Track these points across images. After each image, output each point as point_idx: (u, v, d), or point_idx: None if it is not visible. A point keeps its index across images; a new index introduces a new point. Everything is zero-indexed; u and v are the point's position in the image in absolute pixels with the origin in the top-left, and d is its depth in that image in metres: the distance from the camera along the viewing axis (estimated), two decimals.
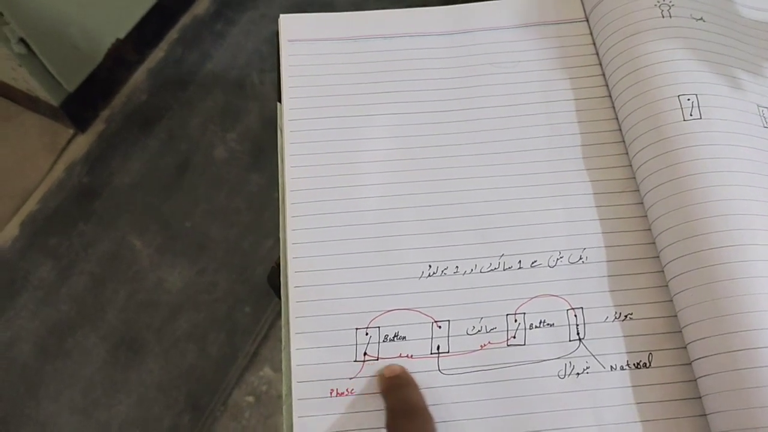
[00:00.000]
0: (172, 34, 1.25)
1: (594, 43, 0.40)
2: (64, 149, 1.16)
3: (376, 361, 0.33)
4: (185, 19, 1.26)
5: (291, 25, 0.41)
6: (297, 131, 0.39)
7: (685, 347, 0.32)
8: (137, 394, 0.97)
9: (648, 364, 0.33)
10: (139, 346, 1.00)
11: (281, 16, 0.42)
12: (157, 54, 1.23)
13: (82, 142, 1.16)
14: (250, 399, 0.97)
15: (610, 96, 0.39)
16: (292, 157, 0.38)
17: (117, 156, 1.15)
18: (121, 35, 1.16)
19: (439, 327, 0.34)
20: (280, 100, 0.40)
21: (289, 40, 0.41)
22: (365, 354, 0.33)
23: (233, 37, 1.25)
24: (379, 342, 0.34)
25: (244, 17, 1.27)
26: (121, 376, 0.98)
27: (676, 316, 0.33)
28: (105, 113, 1.18)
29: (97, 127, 1.17)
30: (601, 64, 0.40)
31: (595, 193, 0.36)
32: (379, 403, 0.32)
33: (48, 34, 1.01)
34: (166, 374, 0.98)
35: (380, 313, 0.34)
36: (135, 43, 1.19)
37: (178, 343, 1.00)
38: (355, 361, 0.33)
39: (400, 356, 0.33)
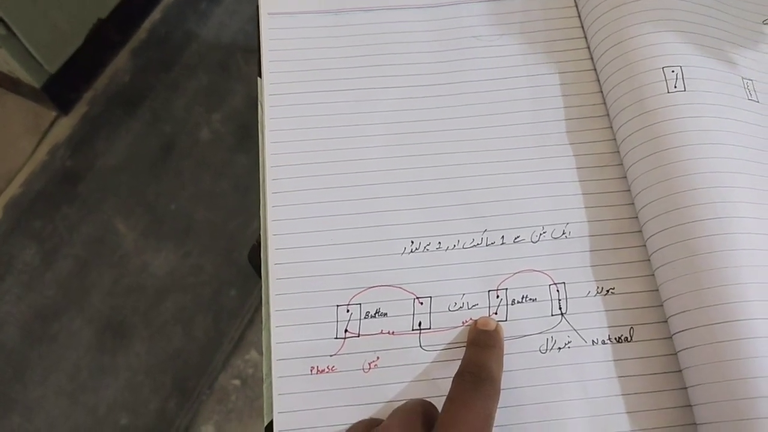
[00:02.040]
0: (155, 14, 1.23)
1: (579, 16, 0.40)
2: (47, 132, 1.14)
3: (357, 338, 0.33)
4: None
5: None
6: (277, 106, 0.38)
7: (666, 321, 0.32)
8: (124, 377, 0.97)
9: (629, 338, 0.32)
10: (125, 329, 1.00)
11: None
12: (140, 34, 1.22)
13: (65, 125, 1.14)
14: (236, 382, 0.97)
15: (595, 69, 0.38)
16: (273, 132, 0.37)
17: (100, 138, 1.13)
18: (103, 15, 1.14)
19: (421, 303, 0.33)
20: (260, 75, 0.39)
21: (269, 13, 0.40)
22: (346, 331, 0.33)
23: (217, 16, 1.23)
24: (360, 319, 0.33)
25: None
26: (108, 359, 0.98)
27: (657, 290, 0.33)
28: (88, 95, 1.17)
29: (80, 109, 1.16)
30: (585, 37, 0.39)
31: (578, 168, 0.36)
32: (360, 380, 0.32)
33: (28, 14, 0.99)
34: (152, 358, 0.98)
35: (361, 289, 0.34)
36: (117, 23, 1.17)
37: (165, 326, 1.00)
38: (336, 338, 0.33)
39: (382, 332, 0.33)
